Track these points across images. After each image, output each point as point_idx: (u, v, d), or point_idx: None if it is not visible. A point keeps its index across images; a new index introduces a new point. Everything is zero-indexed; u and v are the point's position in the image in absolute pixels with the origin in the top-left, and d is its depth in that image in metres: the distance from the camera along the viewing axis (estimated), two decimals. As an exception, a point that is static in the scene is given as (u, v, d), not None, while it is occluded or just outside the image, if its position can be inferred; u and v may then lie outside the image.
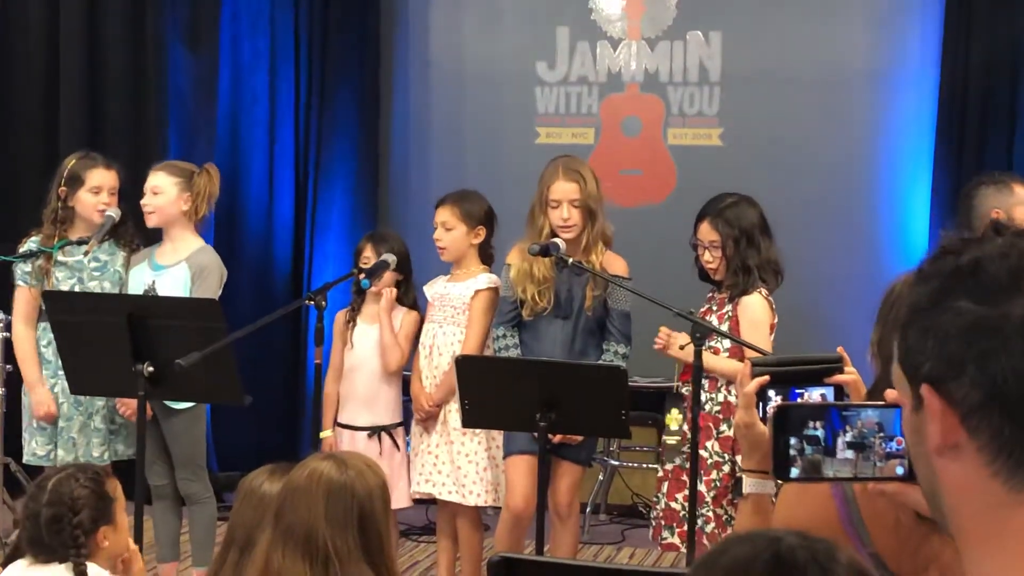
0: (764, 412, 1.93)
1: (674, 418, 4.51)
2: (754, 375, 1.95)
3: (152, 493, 4.94)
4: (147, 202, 4.89)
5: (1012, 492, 1.05)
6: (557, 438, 4.49)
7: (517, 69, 7.07)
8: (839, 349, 2.03)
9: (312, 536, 2.39)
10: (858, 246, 6.50)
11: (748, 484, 1.96)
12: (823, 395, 1.95)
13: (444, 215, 4.91)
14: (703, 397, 4.41)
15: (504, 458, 4.76)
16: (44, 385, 4.82)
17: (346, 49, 7.06)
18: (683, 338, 4.27)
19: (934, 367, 1.09)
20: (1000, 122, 6.12)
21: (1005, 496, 1.06)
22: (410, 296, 5.08)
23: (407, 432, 5.10)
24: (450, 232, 4.89)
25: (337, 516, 2.40)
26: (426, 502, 5.23)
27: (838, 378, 1.96)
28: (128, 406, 4.75)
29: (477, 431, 4.75)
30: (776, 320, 4.48)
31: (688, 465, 4.13)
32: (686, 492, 4.25)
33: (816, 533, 1.34)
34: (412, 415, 5.01)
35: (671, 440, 4.49)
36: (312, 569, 2.37)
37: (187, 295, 4.78)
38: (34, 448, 4.86)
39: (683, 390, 4.46)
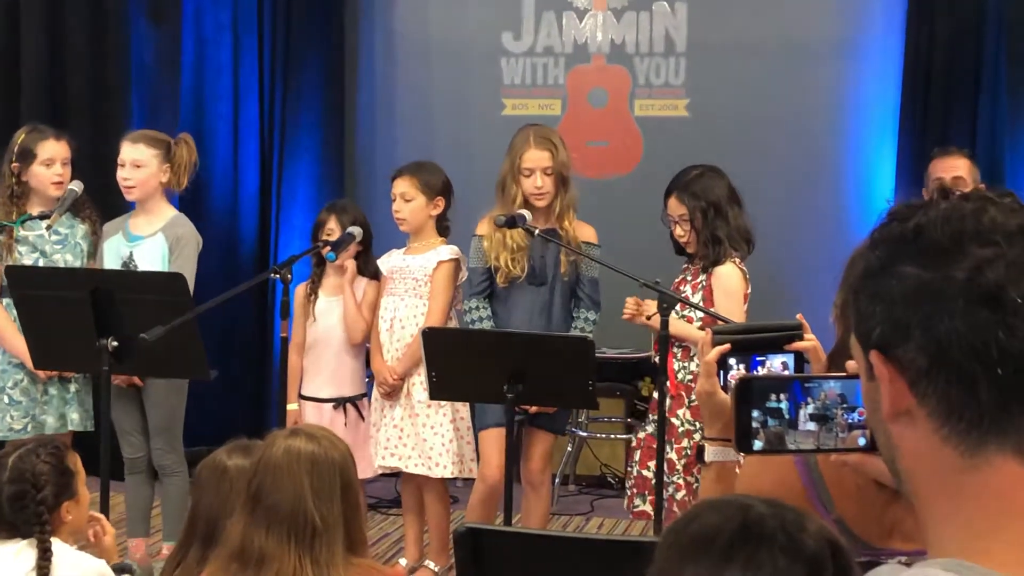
0: (725, 380, 1.94)
1: (647, 384, 4.54)
2: (715, 343, 1.95)
3: (125, 467, 4.92)
4: (128, 176, 4.83)
5: (964, 456, 1.06)
6: (533, 409, 4.52)
7: (483, 40, 7.04)
8: (799, 316, 2.04)
9: (298, 512, 2.38)
10: (824, 214, 6.52)
11: (710, 452, 1.96)
12: (784, 362, 1.95)
13: (403, 186, 4.89)
14: (676, 366, 4.44)
15: (477, 432, 4.77)
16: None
17: (310, 21, 7.00)
18: (652, 307, 4.29)
19: (882, 333, 1.09)
20: (964, 90, 6.14)
21: (958, 460, 1.06)
22: (371, 267, 5.06)
23: (371, 403, 5.10)
24: (409, 203, 4.87)
25: (322, 487, 2.41)
26: (395, 475, 5.23)
27: (798, 345, 1.97)
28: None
29: (442, 403, 4.74)
30: (749, 290, 4.50)
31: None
32: (657, 461, 4.28)
33: (780, 500, 1.34)
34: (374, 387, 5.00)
35: (642, 406, 4.52)
36: (299, 546, 2.37)
37: (166, 265, 4.75)
38: (9, 423, 4.80)
39: (657, 359, 4.48)
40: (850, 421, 1.61)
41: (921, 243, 1.08)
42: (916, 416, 1.08)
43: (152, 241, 4.83)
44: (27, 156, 4.85)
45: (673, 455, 4.39)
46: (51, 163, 4.86)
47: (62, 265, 4.81)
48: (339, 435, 2.61)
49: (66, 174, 4.87)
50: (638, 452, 4.55)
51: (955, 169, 5.27)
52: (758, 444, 1.64)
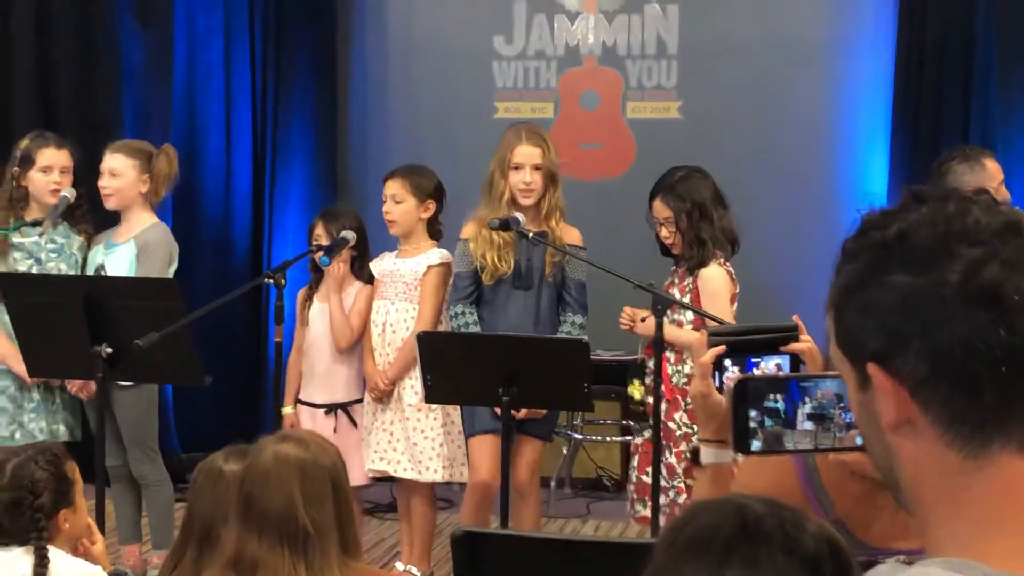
0: (720, 382, 1.93)
1: (636, 388, 4.52)
2: (710, 345, 1.95)
3: (108, 474, 4.91)
4: (105, 184, 4.85)
5: (968, 459, 1.05)
6: (522, 413, 4.49)
7: (474, 43, 7.04)
8: (794, 317, 2.03)
9: (290, 518, 2.38)
10: (817, 215, 6.53)
11: (706, 454, 1.96)
12: (779, 364, 1.95)
13: (393, 188, 4.88)
14: (669, 370, 4.43)
15: (467, 438, 4.75)
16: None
17: (302, 23, 7.00)
18: (645, 312, 4.29)
19: (877, 344, 1.08)
20: (955, 90, 6.15)
21: (961, 464, 1.06)
22: (366, 271, 5.05)
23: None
24: (399, 205, 4.86)
25: (313, 492, 2.40)
26: (391, 480, 5.22)
27: (794, 346, 1.96)
28: (75, 384, 4.73)
29: (433, 407, 4.73)
30: (738, 290, 4.50)
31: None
32: (657, 464, 4.27)
33: (778, 499, 1.34)
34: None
35: (636, 408, 4.51)
36: (292, 553, 2.37)
37: (132, 272, 4.74)
38: None
39: (648, 363, 4.47)
40: (848, 420, 1.61)
41: (908, 249, 1.07)
42: (918, 424, 1.07)
43: (123, 248, 4.83)
44: (27, 162, 4.86)
45: (673, 459, 4.38)
46: (49, 170, 4.86)
47: (58, 273, 4.80)
48: (329, 440, 2.61)
49: (64, 182, 4.87)
50: (636, 457, 4.54)
51: (999, 173, 4.94)
52: (756, 444, 1.64)
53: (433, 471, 4.80)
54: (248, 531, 2.39)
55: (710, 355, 1.94)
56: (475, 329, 4.66)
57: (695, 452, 1.98)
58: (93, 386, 4.65)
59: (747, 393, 1.63)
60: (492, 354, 4.08)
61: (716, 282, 4.42)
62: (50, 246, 4.87)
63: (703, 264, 4.41)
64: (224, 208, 6.95)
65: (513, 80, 7.05)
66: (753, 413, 1.62)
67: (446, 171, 5.08)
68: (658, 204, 4.48)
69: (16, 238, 4.82)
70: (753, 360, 1.95)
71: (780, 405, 1.62)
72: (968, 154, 4.92)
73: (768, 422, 1.62)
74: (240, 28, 6.94)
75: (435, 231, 4.96)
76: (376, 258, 5.04)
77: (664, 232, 4.48)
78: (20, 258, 4.83)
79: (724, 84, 6.77)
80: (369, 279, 5.04)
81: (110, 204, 4.89)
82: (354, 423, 5.03)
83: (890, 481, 1.14)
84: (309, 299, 5.11)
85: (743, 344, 1.97)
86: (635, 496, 4.53)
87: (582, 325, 4.70)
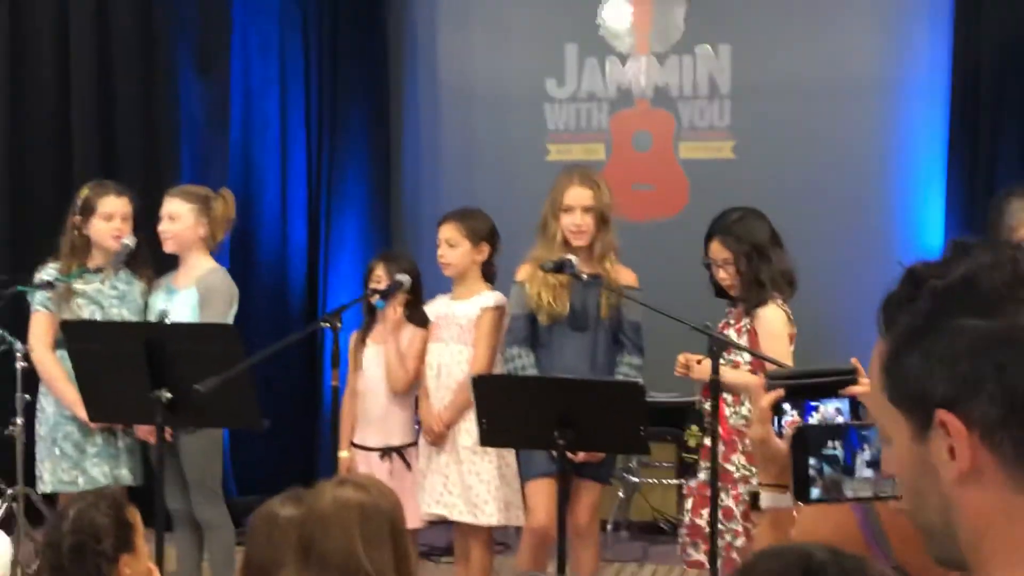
0: (780, 426, 1.92)
1: (693, 434, 4.49)
2: (768, 388, 1.94)
3: (171, 518, 4.95)
4: (164, 228, 4.92)
5: None
6: (580, 456, 4.48)
7: (526, 86, 7.09)
8: (853, 360, 2.02)
9: (350, 561, 2.39)
10: (873, 255, 6.48)
11: (765, 499, 1.95)
12: (838, 408, 1.93)
13: (448, 231, 4.91)
14: (727, 411, 4.39)
15: (524, 482, 4.74)
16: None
17: (356, 71, 7.08)
18: (700, 356, 4.27)
19: (947, 390, 1.07)
20: (1012, 127, 6.10)
21: None
22: (420, 315, 5.08)
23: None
24: (454, 249, 4.89)
25: (373, 535, 2.42)
26: (448, 523, 5.22)
27: (852, 390, 1.94)
28: (143, 429, 4.77)
29: (488, 449, 4.73)
30: (795, 331, 4.47)
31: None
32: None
33: (838, 546, 1.33)
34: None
35: (690, 458, 4.48)
36: None
37: (196, 318, 4.79)
38: (60, 475, 4.85)
39: (704, 406, 4.44)
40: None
41: (976, 293, 1.07)
42: (985, 471, 1.06)
43: (185, 294, 4.89)
44: (88, 210, 4.93)
45: (730, 502, 4.33)
46: (110, 218, 4.93)
47: (119, 320, 4.86)
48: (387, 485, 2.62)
49: (125, 229, 4.94)
50: (690, 500, 4.50)
51: None
52: (815, 492, 1.63)
53: (489, 514, 4.80)
54: (307, 574, 2.40)
55: (769, 400, 1.93)
56: (532, 372, 4.67)
57: (755, 496, 1.97)
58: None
59: (806, 441, 1.63)
60: (547, 397, 4.08)
61: (775, 323, 4.39)
62: (112, 292, 4.94)
63: (761, 305, 4.39)
64: (280, 254, 7.02)
65: (565, 122, 7.08)
66: (812, 461, 1.61)
67: (499, 214, 5.11)
68: (716, 246, 4.46)
69: (79, 285, 4.89)
70: (812, 404, 1.94)
71: (839, 452, 1.61)
72: None
73: (827, 469, 1.61)
74: (295, 77, 7.04)
75: (489, 274, 4.98)
76: (430, 301, 5.07)
77: (722, 274, 4.46)
78: (83, 304, 4.90)
79: (777, 123, 6.76)
80: (423, 322, 5.07)
81: (169, 248, 4.96)
82: (408, 466, 5.04)
83: (944, 540, 1.12)
84: (362, 342, 5.13)
85: (802, 388, 1.95)
86: (688, 539, 4.48)
87: (639, 366, 4.69)
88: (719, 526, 4.28)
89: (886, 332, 1.15)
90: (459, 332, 4.89)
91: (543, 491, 4.61)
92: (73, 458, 4.84)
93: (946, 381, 1.07)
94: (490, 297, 4.89)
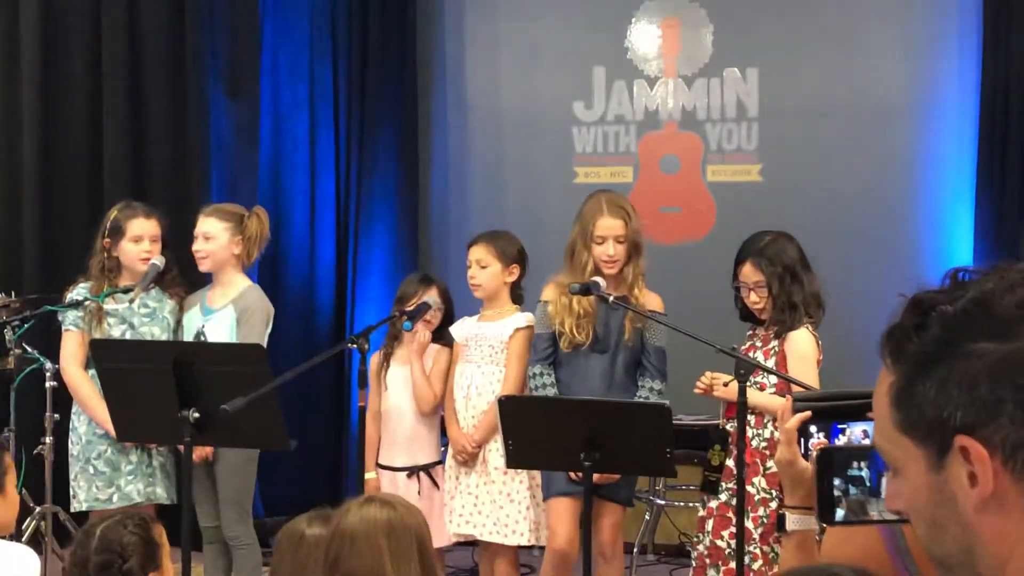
0: (806, 448, 1.92)
1: (716, 454, 4.47)
2: (795, 410, 1.93)
3: (203, 537, 4.97)
4: (199, 247, 4.95)
5: None
6: (596, 478, 4.47)
7: (554, 109, 7.10)
8: (881, 383, 2.01)
9: None
10: (901, 279, 6.44)
11: (791, 521, 1.94)
12: (865, 430, 1.93)
13: (479, 253, 4.93)
14: (750, 433, 4.39)
15: (544, 500, 4.74)
16: None
17: (384, 94, 7.12)
18: (726, 377, 4.26)
19: (966, 416, 1.06)
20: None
21: None
22: (447, 337, 5.09)
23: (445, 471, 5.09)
24: (485, 270, 4.90)
25: (400, 551, 2.42)
26: (473, 544, 5.22)
27: (880, 412, 1.94)
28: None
29: (519, 470, 4.73)
30: (822, 356, 4.46)
31: (735, 502, 4.10)
32: (732, 530, 4.22)
33: (864, 566, 1.33)
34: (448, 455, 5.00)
35: (712, 476, 4.46)
36: None
37: (233, 337, 4.82)
38: (95, 493, 4.87)
39: (728, 427, 4.43)
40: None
41: (989, 317, 1.07)
42: (1006, 496, 1.06)
43: (222, 313, 4.92)
44: (117, 232, 4.97)
45: (750, 524, 4.31)
46: (139, 240, 4.97)
47: (149, 338, 4.89)
48: (413, 503, 2.62)
49: (154, 250, 4.98)
50: (709, 521, 4.47)
51: None
52: (840, 513, 1.62)
53: (519, 535, 4.79)
54: None
55: (795, 421, 1.93)
56: (552, 390, 4.68)
57: (781, 519, 1.96)
58: (203, 450, 4.74)
59: (831, 462, 1.62)
60: (574, 418, 4.07)
61: (806, 346, 4.38)
62: (143, 311, 4.97)
63: (793, 328, 4.38)
64: (308, 275, 7.05)
65: (593, 145, 7.09)
66: (837, 482, 1.61)
67: (526, 236, 5.12)
68: (748, 269, 4.45)
69: (109, 305, 4.93)
70: (838, 426, 1.93)
71: (864, 473, 1.60)
72: None
73: (852, 491, 1.61)
74: (324, 99, 7.08)
75: (517, 295, 4.99)
76: (457, 322, 5.08)
77: (753, 297, 4.45)
78: (114, 324, 4.93)
79: (805, 147, 6.75)
80: (448, 343, 5.08)
81: (204, 267, 4.99)
82: (436, 485, 5.05)
83: (960, 565, 1.10)
84: (385, 363, 5.15)
85: (829, 410, 1.95)
86: (708, 560, 4.46)
87: (660, 391, 4.68)
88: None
89: (893, 363, 1.14)
90: (491, 352, 4.90)
91: (563, 511, 4.61)
92: (108, 476, 4.87)
93: (964, 406, 1.06)
94: (522, 318, 4.91)
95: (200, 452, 4.78)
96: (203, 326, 4.93)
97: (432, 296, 5.00)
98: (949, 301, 1.09)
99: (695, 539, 4.63)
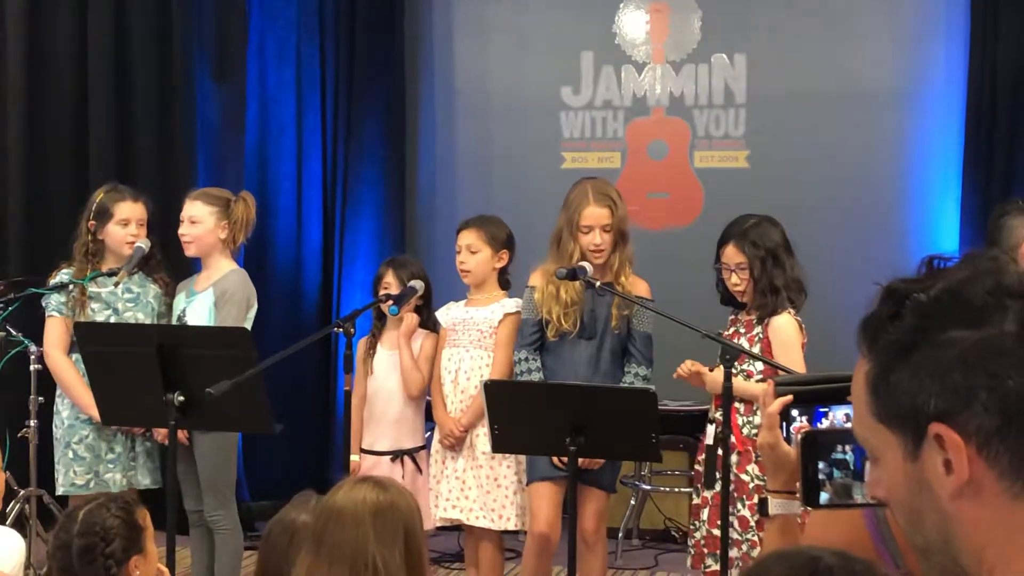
0: (788, 432, 1.92)
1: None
2: (777, 394, 1.94)
3: (189, 520, 4.96)
4: (185, 232, 4.93)
5: None
6: (580, 463, 4.47)
7: (542, 94, 7.10)
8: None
9: (360, 554, 2.39)
10: (886, 266, 6.43)
11: (774, 505, 1.94)
12: (847, 414, 1.93)
13: (469, 238, 4.92)
14: (740, 420, 4.39)
15: (527, 485, 4.75)
16: None
17: (372, 78, 7.10)
18: (708, 371, 4.27)
19: (941, 404, 1.07)
20: (1027, 140, 6.08)
21: None
22: (431, 320, 5.09)
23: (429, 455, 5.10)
24: (475, 255, 4.90)
25: (385, 534, 2.42)
26: (459, 529, 5.21)
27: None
28: (161, 432, 4.79)
29: (507, 455, 4.73)
30: (806, 339, 4.46)
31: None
32: (730, 518, 4.22)
33: (847, 550, 1.33)
34: (433, 439, 5.00)
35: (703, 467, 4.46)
36: None
37: (211, 320, 4.80)
38: (72, 478, 4.87)
39: (717, 414, 4.43)
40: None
41: (961, 305, 1.07)
42: (982, 483, 1.06)
43: (203, 296, 4.90)
44: (104, 215, 4.94)
45: (746, 512, 4.31)
46: (126, 223, 4.95)
47: (133, 323, 4.88)
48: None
49: (140, 234, 4.95)
50: (705, 510, 4.47)
51: None
52: (824, 497, 1.62)
53: (507, 519, 4.80)
54: (319, 563, 2.41)
55: (777, 405, 1.93)
56: (538, 376, 4.68)
57: (763, 503, 1.96)
58: (179, 433, 4.72)
59: (815, 445, 1.62)
60: (559, 403, 4.07)
61: (788, 331, 4.38)
62: (127, 295, 4.95)
63: (775, 312, 4.38)
64: (295, 259, 7.04)
65: (580, 130, 7.09)
66: (821, 465, 1.61)
67: (513, 221, 5.11)
68: (730, 250, 4.45)
69: (93, 288, 4.91)
70: (821, 410, 1.94)
71: (849, 456, 1.60)
72: (1022, 207, 4.82)
73: (836, 474, 1.61)
74: (311, 84, 7.06)
75: (504, 281, 4.99)
76: (442, 307, 5.07)
77: (735, 279, 4.44)
78: (98, 308, 4.91)
79: (792, 133, 6.76)
80: (434, 327, 5.07)
81: (190, 251, 4.97)
82: (419, 469, 5.05)
83: (939, 552, 1.11)
84: (372, 347, 5.14)
85: (811, 394, 1.95)
86: (706, 550, 4.46)
87: (646, 377, 4.68)
88: (736, 536, 4.27)
89: (868, 351, 1.15)
90: (479, 337, 4.89)
91: (544, 495, 4.62)
92: (88, 461, 4.85)
93: (938, 394, 1.07)
94: (511, 303, 4.90)
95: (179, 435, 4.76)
96: (184, 309, 4.91)
97: (417, 280, 4.97)
98: (923, 290, 1.10)
99: (691, 527, 4.63)
